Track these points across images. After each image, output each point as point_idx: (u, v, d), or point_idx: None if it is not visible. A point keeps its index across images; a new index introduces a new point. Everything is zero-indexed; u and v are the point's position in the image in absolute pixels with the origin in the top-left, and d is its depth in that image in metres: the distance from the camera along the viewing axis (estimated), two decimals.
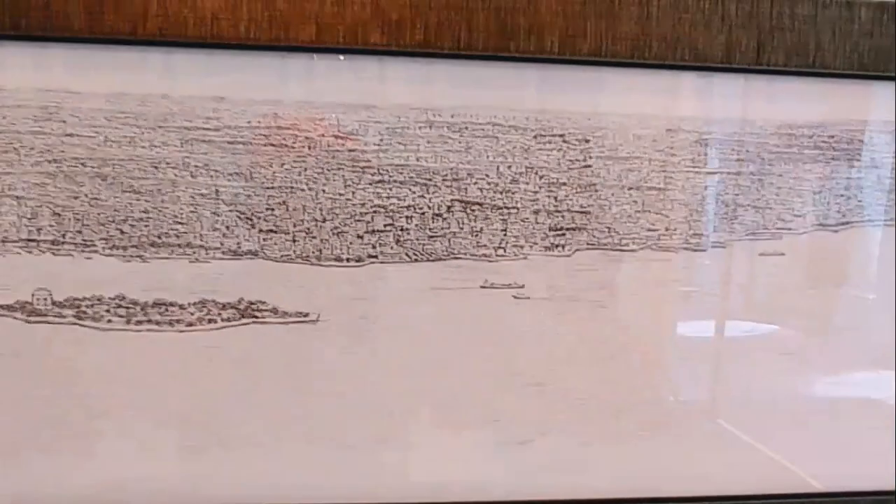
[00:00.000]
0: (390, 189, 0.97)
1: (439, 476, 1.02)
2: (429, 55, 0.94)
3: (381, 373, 0.99)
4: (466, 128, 0.97)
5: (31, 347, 0.93)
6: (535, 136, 0.98)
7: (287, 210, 0.95)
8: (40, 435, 0.94)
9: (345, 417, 0.99)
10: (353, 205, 0.96)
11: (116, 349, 0.94)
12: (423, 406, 1.00)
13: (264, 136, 0.94)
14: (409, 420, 1.00)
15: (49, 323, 0.94)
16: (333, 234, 0.96)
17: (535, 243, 1.00)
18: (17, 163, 0.91)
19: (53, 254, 0.93)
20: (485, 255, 0.99)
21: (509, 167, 0.98)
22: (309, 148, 0.95)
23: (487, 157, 0.98)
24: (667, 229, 1.02)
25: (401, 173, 0.97)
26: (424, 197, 0.97)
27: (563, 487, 1.03)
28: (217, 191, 0.94)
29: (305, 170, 0.95)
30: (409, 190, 0.97)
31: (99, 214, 0.93)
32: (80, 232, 0.93)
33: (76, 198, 0.93)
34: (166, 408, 0.96)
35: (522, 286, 1.00)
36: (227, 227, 0.95)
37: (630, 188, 1.01)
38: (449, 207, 0.98)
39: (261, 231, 0.95)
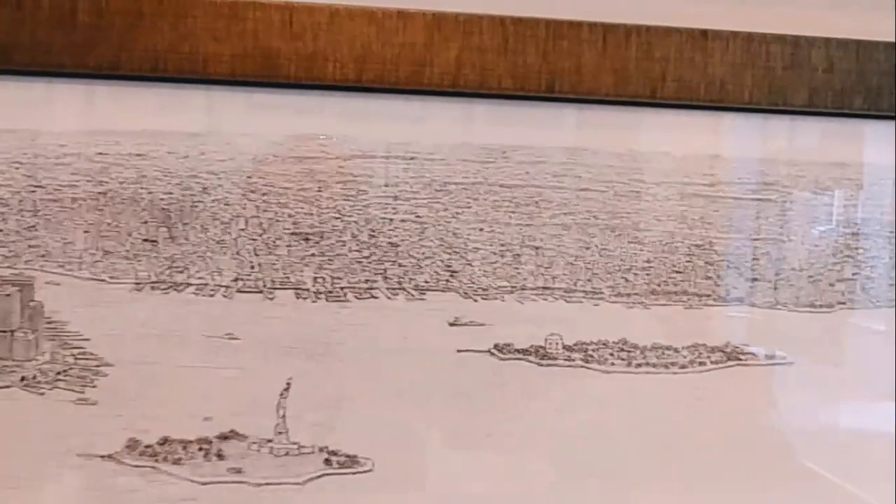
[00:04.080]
0: (858, 240, 0.78)
1: None
2: None
3: (852, 414, 0.80)
4: None
5: (543, 389, 0.75)
6: None
7: (770, 260, 0.77)
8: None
9: (834, 458, 0.79)
10: (826, 255, 0.78)
11: (617, 390, 0.75)
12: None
13: (752, 190, 0.77)
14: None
15: (559, 366, 0.74)
16: (809, 282, 0.78)
17: None
18: (537, 215, 0.73)
19: (566, 301, 0.74)
20: None
21: None
22: (790, 203, 0.77)
23: None
24: None
25: (868, 226, 0.78)
26: (886, 248, 0.79)
27: None
28: (710, 242, 0.77)
29: (787, 223, 0.76)
30: (874, 241, 0.79)
31: (607, 264, 0.74)
32: (589, 280, 0.74)
33: (587, 248, 0.74)
34: (658, 446, 0.77)
35: None
36: (718, 276, 0.76)
37: None
38: None
39: (747, 279, 0.76)
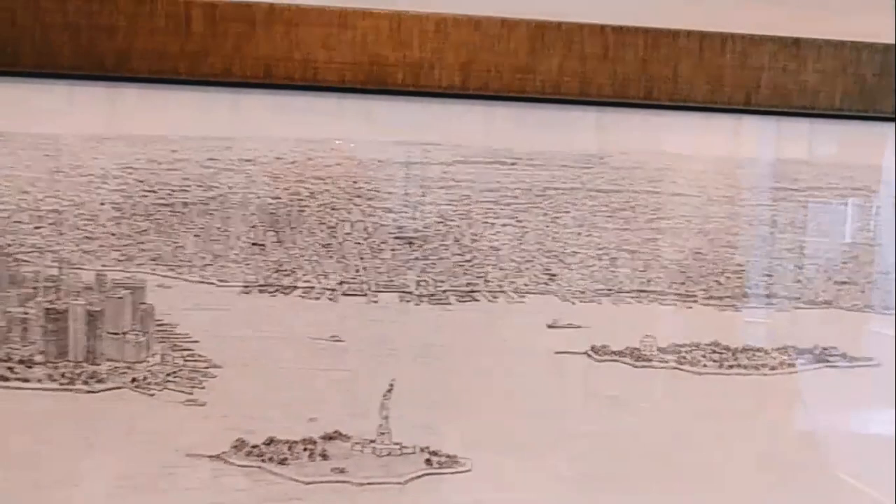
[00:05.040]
0: None
1: None
2: None
3: None
4: None
5: (636, 390, 0.76)
6: None
7: (858, 263, 0.79)
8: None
9: None
10: None
11: (708, 392, 0.76)
12: None
13: (841, 195, 0.78)
14: None
15: (653, 367, 0.75)
16: None
17: None
18: (633, 220, 0.75)
19: (660, 304, 0.75)
20: None
21: None
22: (878, 207, 0.79)
23: None
24: None
25: None
26: None
27: None
28: (800, 246, 0.78)
29: (878, 226, 0.78)
30: None
31: (700, 267, 0.75)
32: (683, 283, 0.74)
33: (681, 252, 0.75)
34: (749, 447, 0.77)
35: None
36: (808, 279, 0.77)
37: None
38: None
39: (836, 283, 0.78)
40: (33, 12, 0.65)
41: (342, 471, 0.71)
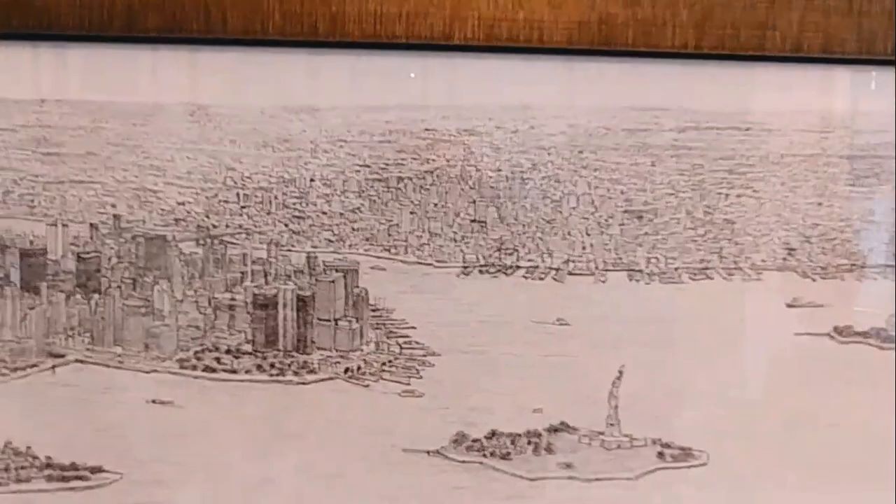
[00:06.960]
0: None
1: None
2: None
3: None
4: None
5: (884, 375, 0.70)
6: None
7: None
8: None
9: None
10: None
11: None
12: None
13: None
14: None
15: None
16: None
17: None
18: (878, 188, 0.68)
19: None
20: None
21: None
22: None
23: None
24: None
25: None
26: None
27: None
28: None
29: None
30: None
31: None
32: None
33: None
34: None
35: None
36: None
37: None
38: None
39: None
40: None
41: (569, 465, 0.66)
